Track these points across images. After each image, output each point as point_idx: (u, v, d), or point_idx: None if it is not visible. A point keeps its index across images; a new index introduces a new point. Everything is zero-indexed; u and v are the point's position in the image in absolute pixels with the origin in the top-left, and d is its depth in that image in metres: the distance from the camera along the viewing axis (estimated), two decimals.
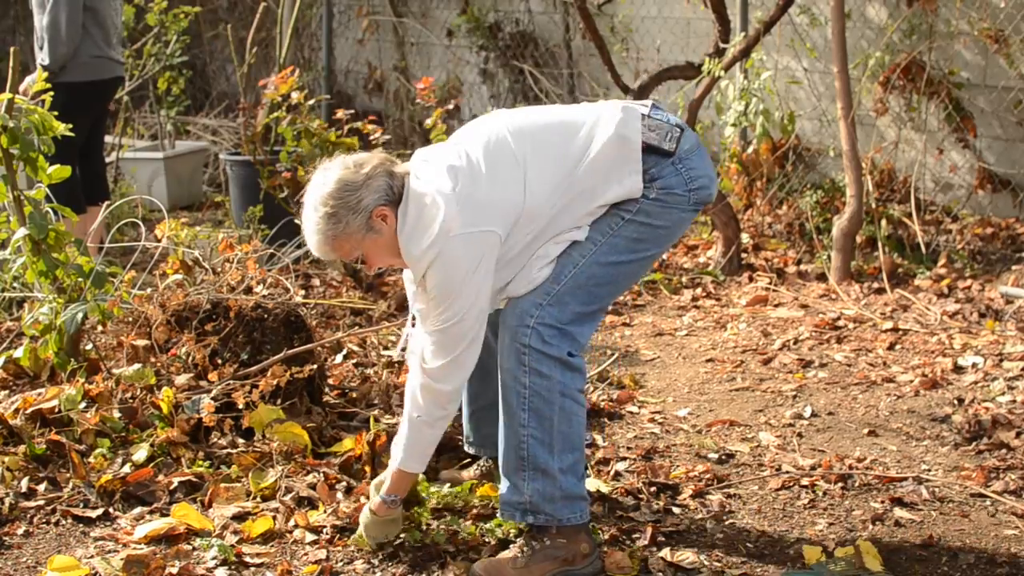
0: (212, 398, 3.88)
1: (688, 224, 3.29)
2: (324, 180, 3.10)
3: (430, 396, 3.16)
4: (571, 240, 3.18)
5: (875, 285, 5.89)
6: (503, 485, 3.22)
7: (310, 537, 3.36)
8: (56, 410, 3.92)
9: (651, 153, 3.13)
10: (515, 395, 3.15)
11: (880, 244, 6.15)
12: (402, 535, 3.35)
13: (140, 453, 3.74)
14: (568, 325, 3.14)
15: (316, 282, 6.04)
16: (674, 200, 3.17)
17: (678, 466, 3.92)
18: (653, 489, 3.72)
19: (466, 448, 3.74)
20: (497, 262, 3.09)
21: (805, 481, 3.80)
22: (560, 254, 3.18)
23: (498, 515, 3.29)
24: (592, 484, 3.69)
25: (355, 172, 3.09)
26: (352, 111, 5.91)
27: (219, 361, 4.04)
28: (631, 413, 4.43)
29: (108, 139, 8.12)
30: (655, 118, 3.16)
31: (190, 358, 4.05)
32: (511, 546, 3.24)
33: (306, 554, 3.28)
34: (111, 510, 3.53)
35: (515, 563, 3.15)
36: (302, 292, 5.64)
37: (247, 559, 3.25)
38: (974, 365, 4.83)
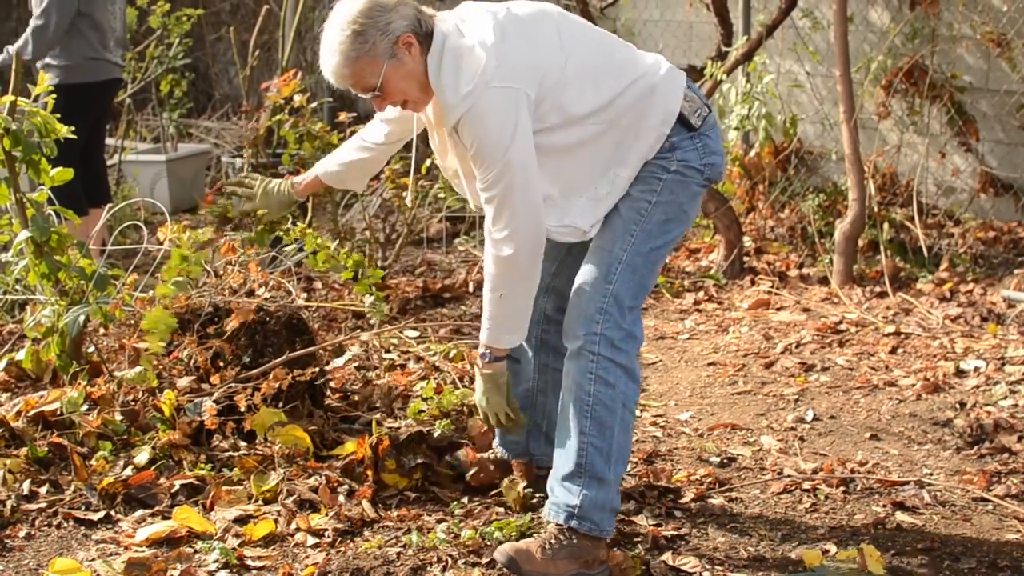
0: (214, 401, 3.88)
1: (700, 202, 3.32)
2: (354, 2, 3.10)
3: (503, 266, 3.13)
4: (593, 199, 3.17)
5: (877, 289, 5.88)
6: (555, 488, 3.23)
7: (312, 540, 3.36)
8: (58, 412, 3.92)
9: (678, 122, 3.18)
10: (578, 402, 3.16)
11: (882, 248, 6.15)
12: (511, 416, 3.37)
13: (142, 456, 3.74)
14: (629, 324, 3.17)
15: (318, 285, 6.05)
16: (691, 174, 3.20)
17: (680, 470, 3.92)
18: (655, 493, 3.71)
19: (494, 446, 3.75)
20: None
21: (807, 485, 3.80)
22: (598, 248, 3.18)
23: (544, 513, 3.29)
24: None
25: None
26: (355, 114, 5.91)
27: (221, 364, 4.04)
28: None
29: (111, 141, 8.13)
30: (691, 88, 3.23)
31: (192, 361, 4.05)
32: (536, 535, 3.26)
33: (307, 557, 3.28)
34: (113, 513, 3.53)
35: (542, 552, 3.17)
36: (304, 295, 5.64)
37: (249, 562, 3.25)
38: (976, 369, 4.83)
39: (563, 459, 3.21)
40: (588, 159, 3.17)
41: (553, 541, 3.19)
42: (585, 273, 3.19)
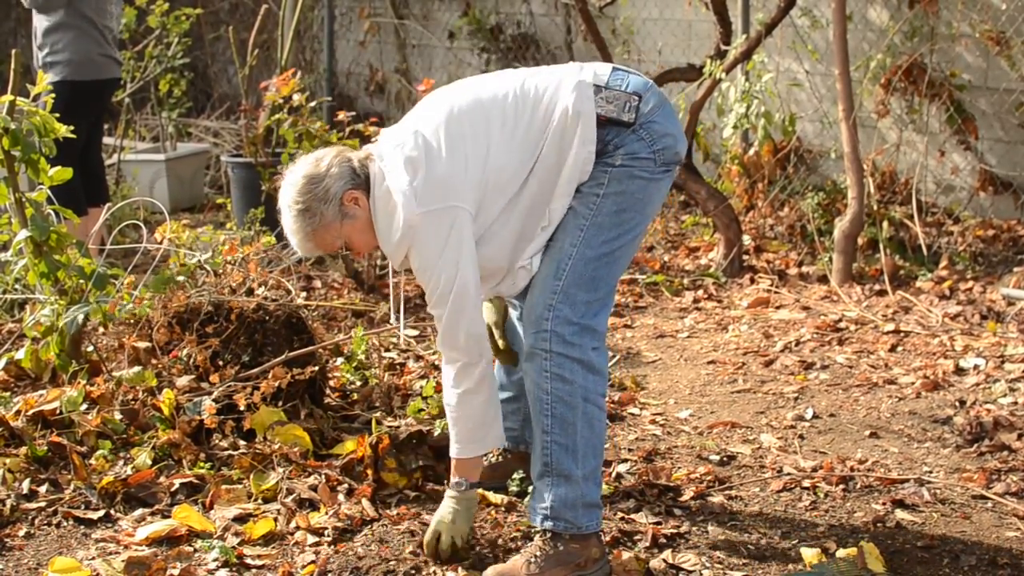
0: (213, 400, 3.88)
1: (664, 188, 3.25)
2: (290, 181, 3.19)
3: (451, 378, 3.21)
4: (543, 242, 3.19)
5: (876, 287, 5.88)
6: (532, 490, 3.24)
7: (311, 539, 3.36)
8: (57, 412, 3.92)
9: (611, 125, 3.13)
10: (538, 401, 3.16)
11: (881, 246, 6.15)
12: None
13: (142, 455, 3.74)
14: (583, 319, 3.13)
15: (317, 284, 6.05)
16: (641, 164, 3.15)
17: (679, 468, 3.92)
18: (654, 491, 3.71)
19: None
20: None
21: (806, 483, 3.80)
22: (550, 247, 3.18)
23: (527, 518, 3.29)
24: None
25: (316, 165, 3.18)
26: (353, 113, 5.92)
27: (220, 363, 4.04)
28: (632, 415, 4.42)
29: (109, 141, 8.13)
30: (612, 88, 3.15)
31: (191, 360, 4.05)
32: (523, 550, 3.24)
33: (307, 555, 3.28)
34: (112, 512, 3.53)
35: (528, 568, 3.14)
36: (303, 294, 5.64)
37: (248, 561, 3.25)
38: (976, 367, 4.83)
39: (534, 460, 3.22)
40: (527, 212, 3.18)
41: (538, 553, 3.17)
42: (539, 271, 3.21)
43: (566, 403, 3.13)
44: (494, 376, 3.28)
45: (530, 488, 3.59)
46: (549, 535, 3.18)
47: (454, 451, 3.30)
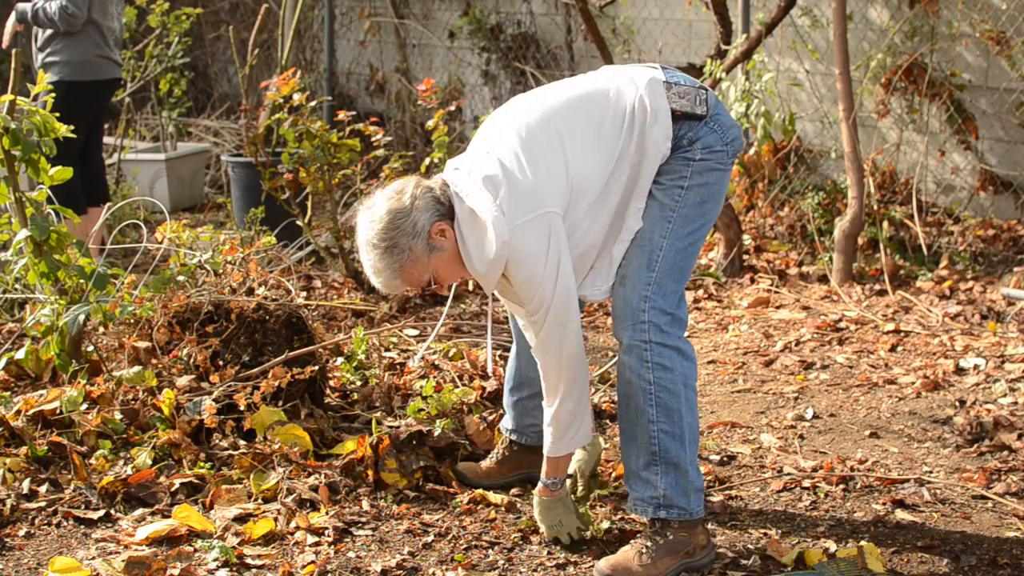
0: (213, 400, 3.88)
1: (729, 177, 3.35)
2: (372, 217, 3.09)
3: (551, 377, 3.21)
4: (628, 239, 3.22)
5: (877, 287, 5.88)
6: (633, 483, 3.25)
7: (311, 539, 3.36)
8: (57, 411, 3.92)
9: (684, 119, 3.19)
10: (641, 392, 3.18)
11: (882, 246, 6.15)
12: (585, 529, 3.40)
13: (142, 455, 3.74)
14: (675, 309, 3.20)
15: (317, 283, 6.05)
16: (716, 157, 3.23)
17: None
18: None
19: (502, 431, 3.76)
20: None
21: (807, 483, 3.80)
22: (638, 239, 3.21)
23: (630, 510, 3.31)
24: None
25: (399, 199, 3.08)
26: (354, 112, 5.91)
27: (220, 363, 4.04)
28: None
29: (110, 140, 8.13)
30: (679, 83, 3.21)
31: (191, 360, 4.05)
32: (632, 542, 3.27)
33: (307, 555, 3.28)
34: (112, 511, 3.53)
35: (640, 559, 3.18)
36: (303, 294, 5.64)
37: (248, 560, 3.25)
38: (976, 367, 4.83)
39: (635, 451, 3.23)
40: (612, 211, 3.21)
41: (649, 543, 3.20)
42: (628, 263, 3.22)
43: (669, 391, 3.17)
44: (586, 380, 3.27)
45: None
46: (659, 525, 3.21)
47: (548, 450, 3.32)
